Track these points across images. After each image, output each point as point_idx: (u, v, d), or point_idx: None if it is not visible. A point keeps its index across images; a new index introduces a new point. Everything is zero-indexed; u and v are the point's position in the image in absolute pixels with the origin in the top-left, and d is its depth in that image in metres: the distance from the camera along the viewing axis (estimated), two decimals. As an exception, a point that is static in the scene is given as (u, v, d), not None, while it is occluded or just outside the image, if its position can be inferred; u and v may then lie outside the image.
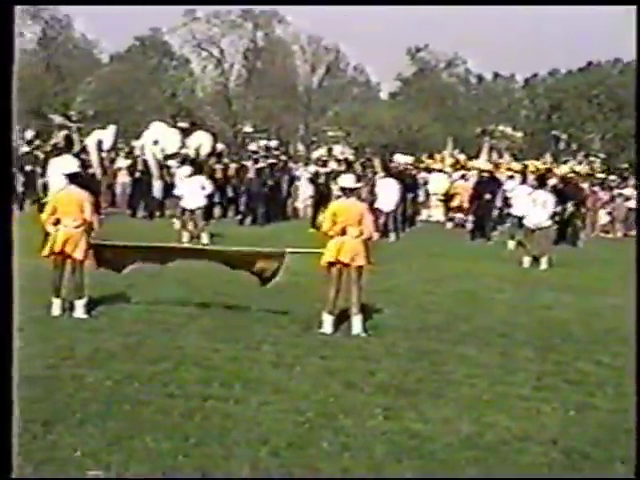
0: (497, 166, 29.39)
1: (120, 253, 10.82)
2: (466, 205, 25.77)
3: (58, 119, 27.78)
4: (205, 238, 18.44)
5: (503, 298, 13.18)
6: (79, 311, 9.99)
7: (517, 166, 29.05)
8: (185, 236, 18.66)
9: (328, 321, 9.94)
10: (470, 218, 24.75)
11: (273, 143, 31.78)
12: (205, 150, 25.02)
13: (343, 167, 24.43)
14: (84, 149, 22.16)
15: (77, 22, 71.21)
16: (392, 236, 21.68)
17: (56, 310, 10.01)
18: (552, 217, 18.46)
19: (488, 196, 23.39)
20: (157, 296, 11.18)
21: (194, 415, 6.66)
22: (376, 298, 11.43)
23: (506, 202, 22.46)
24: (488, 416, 7.01)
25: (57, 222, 10.09)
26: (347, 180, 10.58)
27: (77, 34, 72.27)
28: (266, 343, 9.12)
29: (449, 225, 26.97)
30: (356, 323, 9.94)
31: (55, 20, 71.16)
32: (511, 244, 20.14)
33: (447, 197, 27.81)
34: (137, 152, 25.60)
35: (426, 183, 27.94)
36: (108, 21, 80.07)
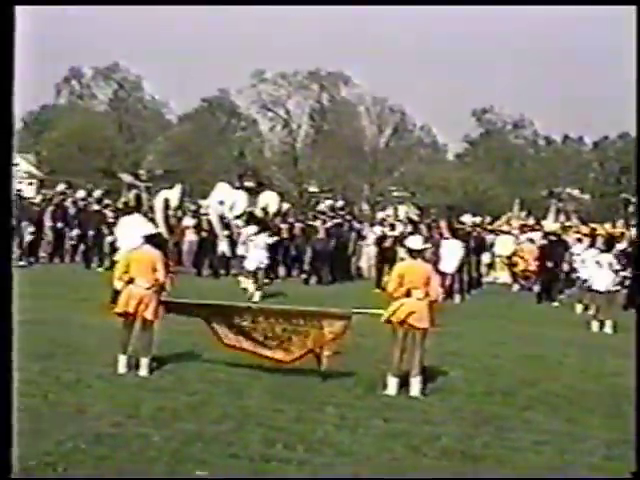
0: (565, 229, 29.06)
1: (188, 310, 10.88)
2: (532, 268, 25.51)
3: (128, 178, 28.32)
4: (257, 297, 18.39)
5: (570, 363, 12.94)
6: (144, 370, 10.05)
7: (585, 229, 28.68)
8: (249, 294, 18.72)
9: (393, 383, 9.87)
10: (537, 281, 24.50)
11: (339, 203, 31.90)
12: (272, 210, 25.24)
13: (409, 228, 24.38)
14: (151, 208, 22.48)
15: (146, 83, 72.90)
16: (457, 298, 21.51)
17: (122, 367, 10.08)
18: (620, 281, 18.17)
19: (555, 259, 23.10)
20: (221, 355, 11.21)
21: (257, 476, 6.64)
22: (441, 360, 11.33)
23: (572, 265, 22.18)
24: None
25: (129, 280, 10.22)
26: (415, 242, 10.58)
27: (147, 95, 73.94)
28: (330, 404, 9.07)
29: (515, 288, 26.67)
30: (415, 385, 9.87)
31: (126, 81, 72.95)
32: (579, 308, 19.85)
33: (513, 259, 27.57)
34: (203, 211, 25.89)
35: (492, 245, 27.74)
36: (176, 82, 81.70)
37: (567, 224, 31.66)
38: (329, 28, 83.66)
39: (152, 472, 6.54)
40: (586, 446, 8.07)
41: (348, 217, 28.39)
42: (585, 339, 15.85)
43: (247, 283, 19.53)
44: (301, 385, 9.97)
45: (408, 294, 9.91)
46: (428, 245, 15.89)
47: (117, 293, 10.59)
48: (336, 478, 6.88)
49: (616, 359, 13.46)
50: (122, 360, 10.10)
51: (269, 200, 25.94)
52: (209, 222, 24.81)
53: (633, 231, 27.42)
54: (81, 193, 26.85)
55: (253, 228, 20.53)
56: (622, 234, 26.58)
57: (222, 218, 24.71)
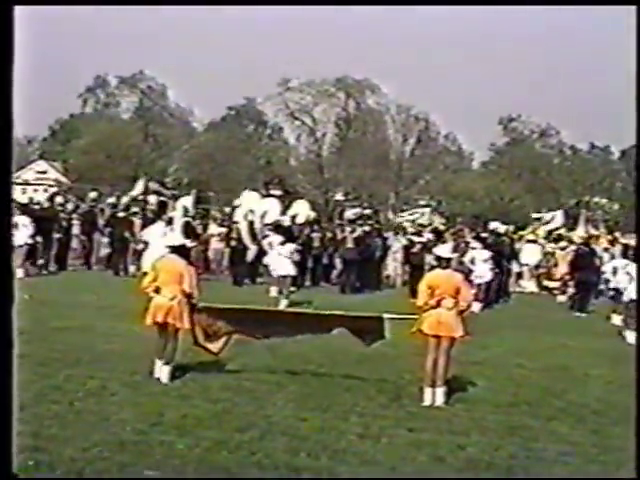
0: (596, 238, 28.86)
1: (218, 317, 10.77)
2: (562, 276, 25.45)
3: (154, 186, 28.30)
4: (283, 305, 18.27)
5: (598, 374, 12.81)
6: (165, 377, 10.01)
7: (611, 238, 28.55)
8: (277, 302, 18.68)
9: (428, 393, 9.81)
10: (568, 290, 24.42)
11: (367, 211, 31.88)
12: (301, 219, 25.22)
13: (434, 237, 24.34)
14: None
15: (171, 91, 73.17)
16: (477, 307, 21.32)
17: (158, 372, 10.02)
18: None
19: (586, 269, 22.89)
20: (246, 363, 11.21)
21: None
22: (467, 370, 11.27)
23: (599, 275, 22.12)
24: (582, 497, 6.80)
25: (156, 290, 10.22)
26: (444, 250, 10.62)
27: (172, 104, 74.24)
28: (354, 413, 9.05)
29: (542, 297, 26.53)
30: (439, 394, 9.83)
31: (151, 90, 73.33)
32: (616, 318, 19.45)
33: (542, 268, 27.51)
34: (234, 219, 25.75)
35: (518, 254, 27.55)
36: (201, 90, 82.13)
37: (595, 233, 31.46)
38: (355, 34, 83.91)
39: (176, 480, 6.55)
40: (613, 457, 7.99)
41: (376, 225, 28.34)
42: (614, 350, 15.70)
43: (275, 292, 19.55)
44: (325, 394, 9.93)
45: (438, 304, 9.87)
46: (456, 254, 15.83)
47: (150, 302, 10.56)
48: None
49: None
50: (159, 364, 10.07)
51: (299, 209, 25.91)
52: (238, 231, 24.72)
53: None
54: (111, 200, 26.96)
55: (279, 237, 20.52)
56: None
57: (252, 227, 24.62)
